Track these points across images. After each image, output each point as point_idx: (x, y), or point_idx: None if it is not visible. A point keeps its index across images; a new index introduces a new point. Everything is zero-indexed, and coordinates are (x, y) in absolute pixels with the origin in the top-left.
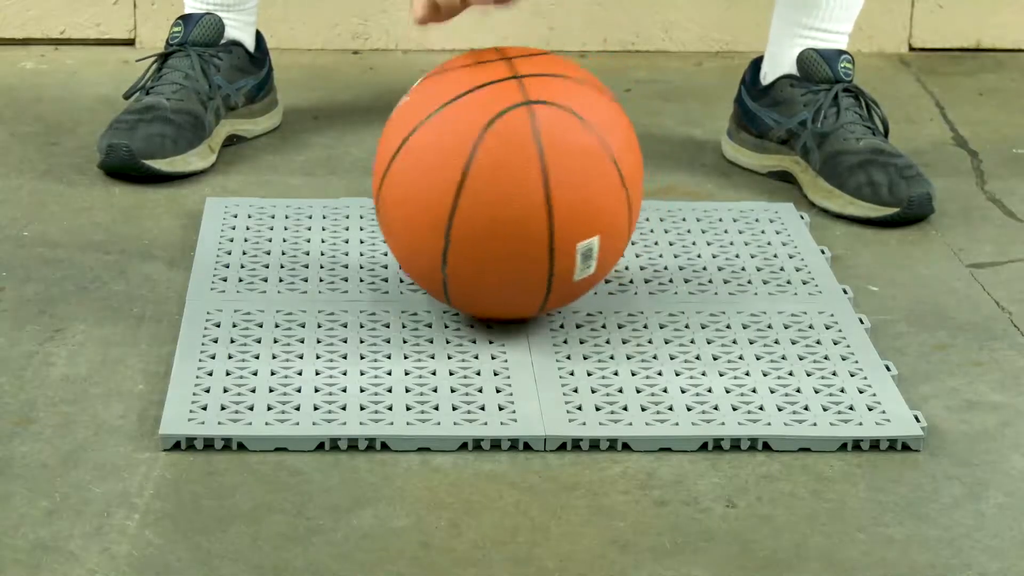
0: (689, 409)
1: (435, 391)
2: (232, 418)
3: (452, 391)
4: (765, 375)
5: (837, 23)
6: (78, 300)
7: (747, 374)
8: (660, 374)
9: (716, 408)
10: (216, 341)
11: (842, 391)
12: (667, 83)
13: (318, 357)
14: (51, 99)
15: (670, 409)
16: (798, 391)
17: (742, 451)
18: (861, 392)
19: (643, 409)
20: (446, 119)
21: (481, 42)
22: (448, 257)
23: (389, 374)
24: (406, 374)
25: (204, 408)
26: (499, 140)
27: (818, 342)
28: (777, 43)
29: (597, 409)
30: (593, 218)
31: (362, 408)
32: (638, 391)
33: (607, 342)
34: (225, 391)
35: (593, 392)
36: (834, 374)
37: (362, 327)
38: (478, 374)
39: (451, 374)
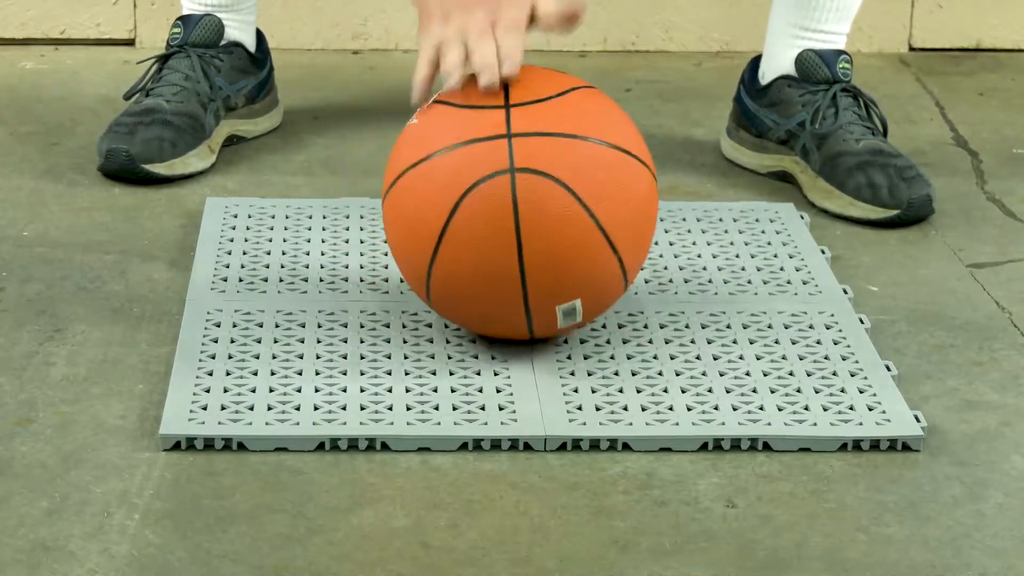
0: (689, 409)
1: (435, 391)
2: (232, 418)
3: (452, 391)
4: (765, 375)
5: (834, 24)
6: (78, 300)
7: (747, 374)
8: (660, 374)
9: (716, 408)
10: (216, 341)
11: (842, 391)
12: (667, 83)
13: (318, 357)
14: (51, 99)
15: (670, 409)
16: (798, 391)
17: (742, 451)
18: (861, 392)
19: (643, 409)
20: (435, 171)
21: None
22: (431, 294)
23: (389, 374)
24: (406, 374)
25: (204, 408)
26: (478, 206)
27: (818, 342)
28: (774, 43)
29: (597, 409)
30: (572, 285)
31: (362, 408)
32: (638, 391)
33: (607, 342)
34: (225, 391)
35: (593, 392)
36: (834, 374)
37: (362, 327)
38: (478, 374)
39: (451, 374)
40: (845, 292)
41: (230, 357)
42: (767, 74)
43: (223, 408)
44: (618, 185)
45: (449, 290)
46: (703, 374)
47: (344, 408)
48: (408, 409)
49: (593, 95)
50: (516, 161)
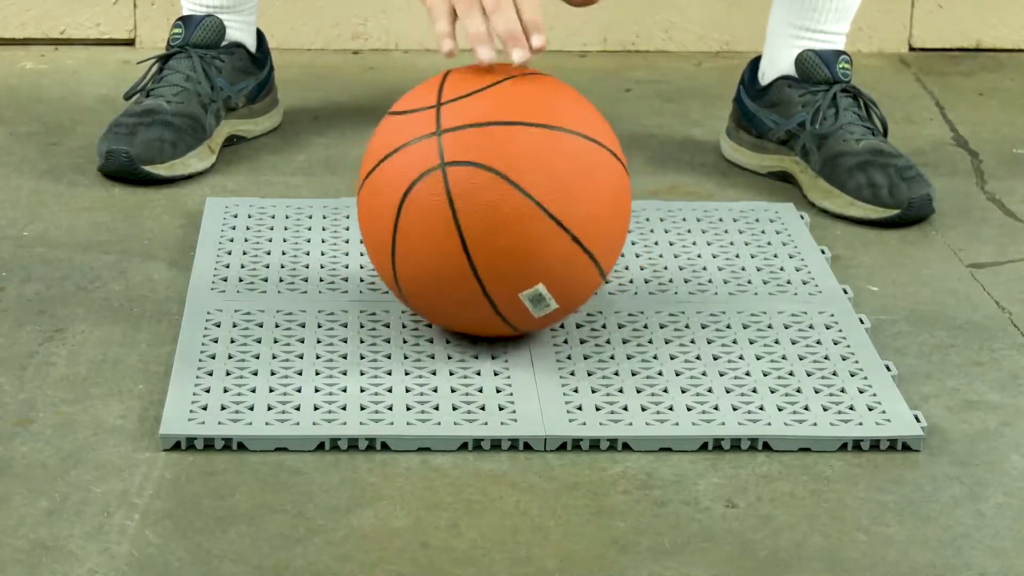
0: (689, 409)
1: (435, 391)
2: (232, 418)
3: (452, 391)
4: (765, 375)
5: (834, 24)
6: (78, 300)
7: (747, 374)
8: (660, 374)
9: (716, 408)
10: (216, 341)
11: (842, 391)
12: (667, 83)
13: (318, 357)
14: (51, 99)
15: (670, 409)
16: (798, 391)
17: (742, 451)
18: (861, 392)
19: (643, 409)
20: (379, 181)
21: None
22: (405, 299)
23: (389, 374)
24: (406, 374)
25: (204, 408)
26: (417, 206)
27: (818, 342)
28: (774, 44)
29: (597, 409)
30: (524, 270)
31: (362, 408)
32: (638, 391)
33: (607, 342)
34: (225, 391)
35: (593, 392)
36: (834, 374)
37: (362, 327)
38: (478, 374)
39: (451, 374)
40: (845, 292)
41: (230, 357)
42: (767, 74)
43: (223, 408)
44: (556, 161)
45: (416, 291)
46: (703, 374)
47: (344, 408)
48: (408, 409)
49: (532, 78)
50: (445, 156)
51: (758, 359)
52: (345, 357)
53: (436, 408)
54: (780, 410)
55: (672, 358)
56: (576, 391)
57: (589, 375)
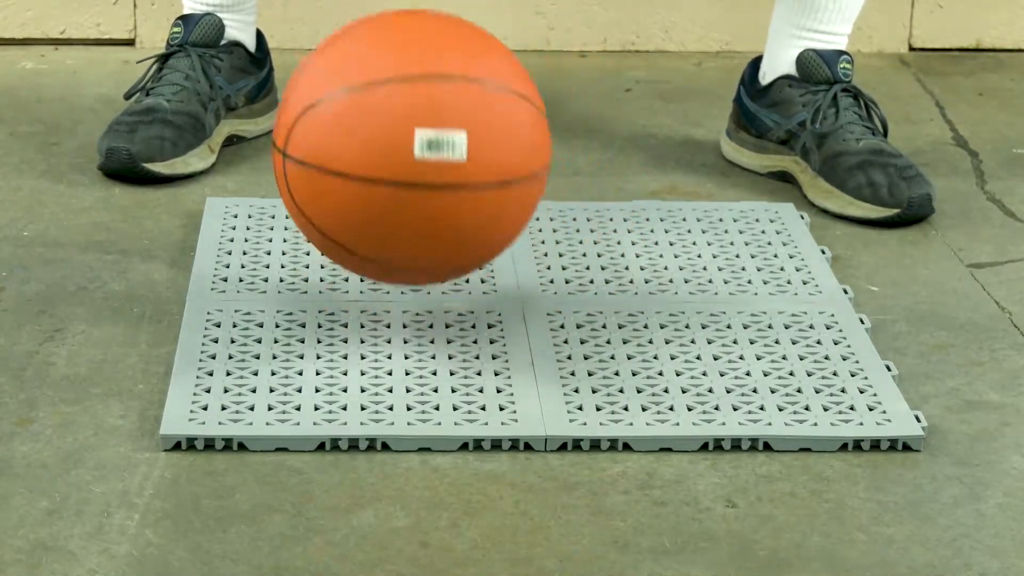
0: (689, 409)
1: (435, 391)
2: (232, 418)
3: (452, 391)
4: (765, 375)
5: (836, 24)
6: (78, 300)
7: (747, 374)
8: (660, 374)
9: (716, 408)
10: (216, 341)
11: (842, 391)
12: (667, 83)
13: (318, 357)
14: (51, 99)
15: (670, 409)
16: (798, 391)
17: (742, 451)
18: (861, 392)
19: (643, 409)
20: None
21: None
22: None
23: (389, 374)
24: (406, 374)
25: (204, 408)
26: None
27: (818, 342)
28: (776, 43)
29: (598, 409)
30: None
31: (362, 408)
32: (639, 391)
33: (607, 342)
34: (225, 391)
35: (594, 392)
36: (834, 374)
37: (362, 327)
38: (478, 374)
39: (451, 374)
40: (845, 292)
41: (230, 357)
42: (768, 74)
43: (223, 408)
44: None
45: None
46: (703, 374)
47: (344, 408)
48: (408, 409)
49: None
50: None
51: (758, 359)
52: (345, 357)
53: (436, 408)
54: (780, 410)
55: (672, 358)
56: (576, 391)
57: (589, 375)
